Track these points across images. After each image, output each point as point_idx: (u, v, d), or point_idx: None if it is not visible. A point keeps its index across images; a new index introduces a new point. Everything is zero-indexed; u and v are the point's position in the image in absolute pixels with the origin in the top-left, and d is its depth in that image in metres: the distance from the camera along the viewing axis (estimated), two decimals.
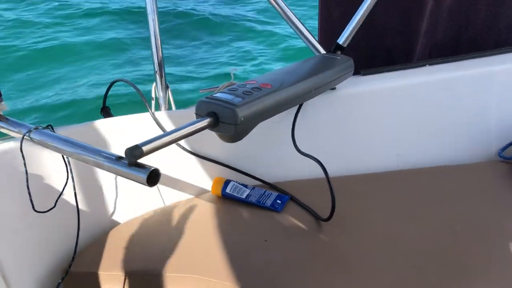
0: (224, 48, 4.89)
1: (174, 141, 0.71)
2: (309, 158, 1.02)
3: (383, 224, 0.97)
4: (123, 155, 1.04)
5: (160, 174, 0.65)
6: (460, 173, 1.16)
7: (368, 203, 1.05)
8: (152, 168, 0.63)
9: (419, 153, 1.20)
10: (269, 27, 5.37)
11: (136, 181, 0.64)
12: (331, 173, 1.04)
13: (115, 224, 1.07)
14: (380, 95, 1.16)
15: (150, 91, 1.18)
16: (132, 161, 0.64)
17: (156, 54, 1.13)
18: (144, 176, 0.63)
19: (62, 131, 0.97)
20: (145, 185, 0.63)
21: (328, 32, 1.40)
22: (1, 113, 0.86)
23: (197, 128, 0.75)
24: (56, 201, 0.89)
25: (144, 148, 0.65)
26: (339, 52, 1.17)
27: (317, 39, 1.20)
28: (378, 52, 1.41)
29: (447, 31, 1.40)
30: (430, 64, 1.22)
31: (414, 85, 1.17)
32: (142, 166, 0.64)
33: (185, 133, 0.72)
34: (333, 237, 0.95)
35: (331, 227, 0.97)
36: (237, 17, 5.72)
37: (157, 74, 1.15)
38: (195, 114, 0.83)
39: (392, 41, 1.39)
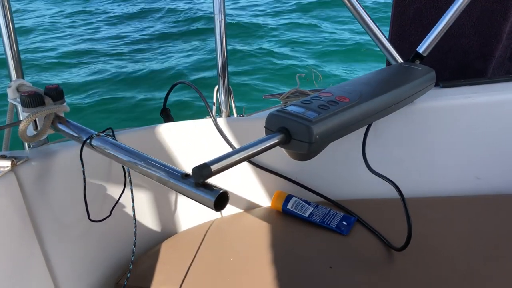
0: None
1: (244, 159, 0.64)
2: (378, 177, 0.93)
3: (462, 259, 0.87)
4: (182, 162, 0.99)
5: (229, 198, 0.59)
6: None
7: (445, 232, 0.95)
8: (221, 191, 0.57)
9: (502, 177, 1.08)
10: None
11: (203, 204, 0.58)
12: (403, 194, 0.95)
13: (171, 233, 1.02)
14: (461, 111, 1.05)
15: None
16: (199, 181, 0.59)
17: (220, 54, 1.07)
18: (212, 199, 0.57)
19: (121, 136, 0.93)
20: (212, 208, 0.57)
21: (400, 31, 1.30)
22: (63, 115, 0.83)
23: (267, 145, 0.68)
24: (112, 210, 0.85)
25: (213, 167, 0.59)
26: (418, 62, 1.07)
27: (387, 38, 1.10)
28: (453, 54, 1.29)
29: None
30: None
31: (501, 102, 1.05)
32: (209, 188, 0.58)
33: (254, 151, 0.66)
34: (406, 269, 0.85)
35: (403, 257, 0.88)
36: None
37: (220, 77, 1.10)
38: (264, 128, 0.76)
39: (469, 42, 1.27)
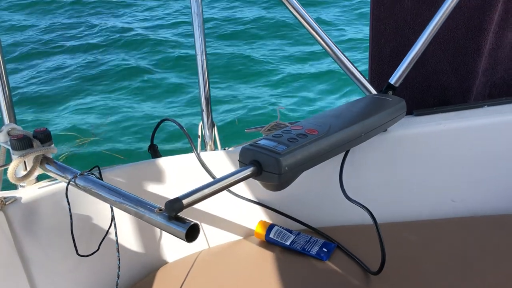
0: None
1: (216, 192, 0.69)
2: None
3: (438, 280, 0.90)
4: (168, 196, 1.04)
5: (200, 230, 0.63)
6: None
7: (422, 255, 0.98)
8: (192, 223, 0.62)
9: (478, 199, 1.12)
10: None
11: (175, 236, 0.63)
12: (381, 219, 0.98)
13: (157, 266, 1.06)
14: (434, 137, 1.10)
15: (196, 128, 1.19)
16: (172, 214, 0.63)
17: (203, 91, 1.13)
18: (183, 231, 0.61)
19: (109, 173, 0.98)
20: (184, 240, 0.62)
21: (379, 70, 1.35)
22: (51, 156, 0.88)
23: (239, 178, 0.73)
24: (100, 244, 0.89)
25: (184, 202, 0.64)
26: (390, 93, 1.12)
27: (367, 79, 1.16)
28: (433, 92, 1.34)
29: (509, 69, 1.32)
30: (489, 105, 1.15)
31: (472, 127, 1.10)
32: (182, 220, 0.63)
33: (227, 183, 0.70)
34: None
35: (380, 281, 0.91)
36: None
37: (203, 113, 1.15)
38: (238, 161, 0.81)
39: (447, 79, 1.32)
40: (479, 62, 1.29)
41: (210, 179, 1.06)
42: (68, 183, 0.79)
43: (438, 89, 1.33)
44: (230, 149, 1.13)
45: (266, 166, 0.76)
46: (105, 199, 0.73)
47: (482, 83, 1.34)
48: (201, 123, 1.16)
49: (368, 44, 1.33)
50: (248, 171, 0.75)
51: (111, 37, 5.92)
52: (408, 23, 1.27)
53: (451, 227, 1.06)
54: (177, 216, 0.63)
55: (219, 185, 0.69)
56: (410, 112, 1.16)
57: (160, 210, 0.66)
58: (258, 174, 0.76)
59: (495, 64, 1.32)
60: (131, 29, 6.13)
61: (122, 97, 4.49)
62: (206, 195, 0.67)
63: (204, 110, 1.15)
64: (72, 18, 6.71)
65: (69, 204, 0.81)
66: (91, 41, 5.85)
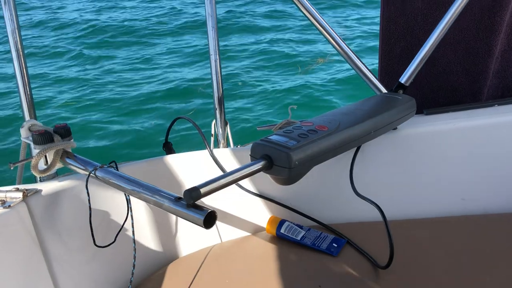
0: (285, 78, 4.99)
1: (230, 183, 0.71)
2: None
3: (446, 277, 0.91)
4: (181, 192, 1.07)
5: (217, 217, 0.66)
6: None
7: (430, 251, 0.99)
8: (209, 211, 0.64)
9: (488, 198, 1.13)
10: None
11: (193, 222, 0.66)
12: (391, 217, 1.00)
13: (171, 259, 1.08)
14: (444, 135, 1.11)
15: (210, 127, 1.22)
16: (190, 202, 0.66)
17: (216, 90, 1.16)
18: (201, 218, 0.64)
19: (125, 168, 1.01)
20: (202, 226, 0.64)
21: (389, 69, 1.37)
22: (70, 150, 0.91)
23: (251, 170, 0.76)
24: (116, 236, 0.92)
25: (202, 190, 0.67)
26: (401, 91, 1.14)
27: (377, 77, 1.17)
28: (443, 92, 1.35)
29: None
30: (499, 104, 1.16)
31: (482, 126, 1.11)
32: (200, 208, 0.66)
33: (240, 175, 0.73)
34: (391, 286, 0.90)
35: (389, 276, 0.93)
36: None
37: (216, 111, 1.18)
38: (249, 156, 0.83)
39: (458, 80, 1.33)
40: (491, 64, 1.29)
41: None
42: (89, 175, 0.82)
43: (449, 89, 1.34)
44: (242, 146, 1.16)
45: (277, 160, 0.78)
46: (124, 190, 0.76)
47: (495, 85, 1.34)
48: (214, 121, 1.19)
49: (378, 43, 1.34)
50: (259, 165, 0.77)
51: None
52: (418, 23, 1.28)
53: (461, 225, 1.07)
54: (195, 204, 0.66)
55: (233, 177, 0.72)
56: (421, 111, 1.18)
57: (179, 198, 0.69)
58: (269, 168, 0.79)
59: (507, 66, 1.32)
60: None
61: None
62: (221, 186, 0.70)
63: (217, 108, 1.18)
64: None
65: (88, 195, 0.84)
66: None
